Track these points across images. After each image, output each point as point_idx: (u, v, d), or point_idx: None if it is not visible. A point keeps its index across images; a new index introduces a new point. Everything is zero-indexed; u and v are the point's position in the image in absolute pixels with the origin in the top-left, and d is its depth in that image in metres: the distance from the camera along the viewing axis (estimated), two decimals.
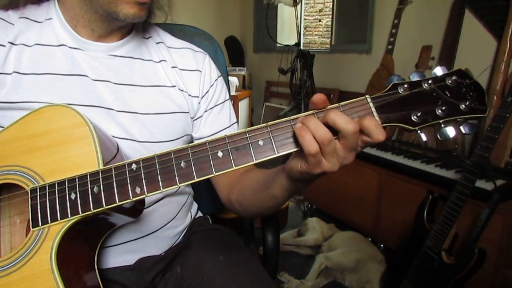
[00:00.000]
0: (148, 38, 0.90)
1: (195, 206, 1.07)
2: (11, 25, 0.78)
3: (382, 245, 2.35)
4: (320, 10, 4.02)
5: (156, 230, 0.89)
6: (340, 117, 0.53)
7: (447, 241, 1.53)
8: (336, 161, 0.56)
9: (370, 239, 2.38)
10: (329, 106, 0.57)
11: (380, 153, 2.30)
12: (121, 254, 0.84)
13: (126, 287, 0.85)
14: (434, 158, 2.09)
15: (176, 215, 0.94)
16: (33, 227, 0.62)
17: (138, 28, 0.89)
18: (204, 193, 1.10)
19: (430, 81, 0.57)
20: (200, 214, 1.09)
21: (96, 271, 0.69)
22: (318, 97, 0.56)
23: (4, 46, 0.75)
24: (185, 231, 0.99)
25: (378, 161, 2.28)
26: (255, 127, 0.57)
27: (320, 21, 4.03)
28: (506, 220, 1.68)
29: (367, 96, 0.58)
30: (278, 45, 3.56)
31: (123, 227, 0.82)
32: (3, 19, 0.78)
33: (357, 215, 2.50)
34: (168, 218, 0.92)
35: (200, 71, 0.92)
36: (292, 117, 0.57)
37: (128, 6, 0.74)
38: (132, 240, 0.85)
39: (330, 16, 3.69)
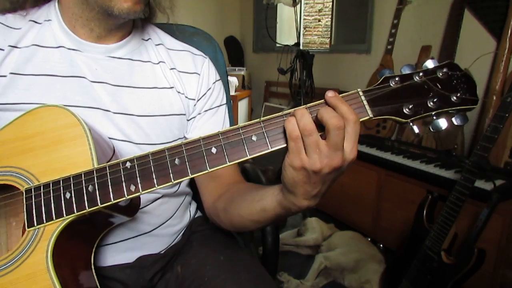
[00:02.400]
0: (147, 39, 0.90)
1: (194, 205, 1.07)
2: (11, 29, 0.78)
3: (381, 245, 2.34)
4: (320, 10, 4.02)
5: (154, 229, 0.89)
6: (327, 112, 0.54)
7: (447, 241, 1.53)
8: (317, 158, 0.55)
9: (369, 239, 2.38)
10: (321, 101, 0.58)
11: (380, 153, 2.30)
12: (120, 252, 0.85)
13: (125, 285, 0.85)
14: (433, 158, 2.09)
15: (174, 214, 0.94)
16: (28, 227, 0.62)
17: (138, 29, 0.88)
18: None
19: (421, 74, 0.59)
20: (199, 214, 1.09)
21: (93, 270, 0.69)
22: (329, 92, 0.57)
23: (2, 50, 0.75)
24: (184, 230, 0.99)
25: (377, 161, 2.28)
26: (248, 122, 0.58)
27: (319, 21, 4.04)
28: (505, 220, 1.68)
29: (358, 89, 0.59)
30: (277, 45, 3.56)
31: (122, 225, 0.82)
32: (1, 23, 0.78)
33: (357, 215, 2.50)
34: (165, 216, 0.92)
35: (199, 74, 0.92)
36: (285, 112, 0.58)
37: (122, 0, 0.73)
38: (131, 238, 0.85)
39: (330, 16, 3.69)
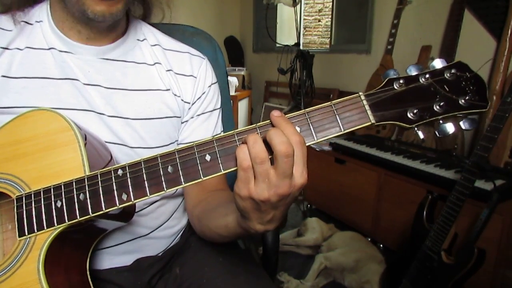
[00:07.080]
0: (143, 40, 0.87)
1: None
2: (3, 30, 0.77)
3: (381, 245, 2.34)
4: (320, 10, 4.01)
5: (152, 231, 0.88)
6: (277, 136, 0.51)
7: (447, 241, 1.53)
8: (264, 188, 0.53)
9: (369, 239, 2.38)
10: (324, 104, 0.55)
11: (380, 153, 2.29)
12: (117, 256, 0.84)
13: None
14: (433, 158, 2.08)
15: (172, 215, 0.93)
16: (19, 236, 0.61)
17: (133, 29, 0.86)
18: None
19: (427, 75, 0.55)
20: None
21: (89, 278, 0.68)
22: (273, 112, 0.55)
23: None
24: (182, 231, 0.98)
25: (377, 161, 2.27)
26: (244, 128, 0.56)
27: (319, 21, 4.03)
28: (505, 220, 1.68)
29: (360, 93, 0.55)
30: (277, 45, 3.56)
31: (118, 228, 0.81)
32: None
33: (357, 215, 2.50)
34: (163, 219, 0.91)
35: (195, 77, 0.89)
36: (288, 115, 0.55)
37: (94, 2, 0.69)
38: (128, 241, 0.84)
39: (330, 16, 3.68)
